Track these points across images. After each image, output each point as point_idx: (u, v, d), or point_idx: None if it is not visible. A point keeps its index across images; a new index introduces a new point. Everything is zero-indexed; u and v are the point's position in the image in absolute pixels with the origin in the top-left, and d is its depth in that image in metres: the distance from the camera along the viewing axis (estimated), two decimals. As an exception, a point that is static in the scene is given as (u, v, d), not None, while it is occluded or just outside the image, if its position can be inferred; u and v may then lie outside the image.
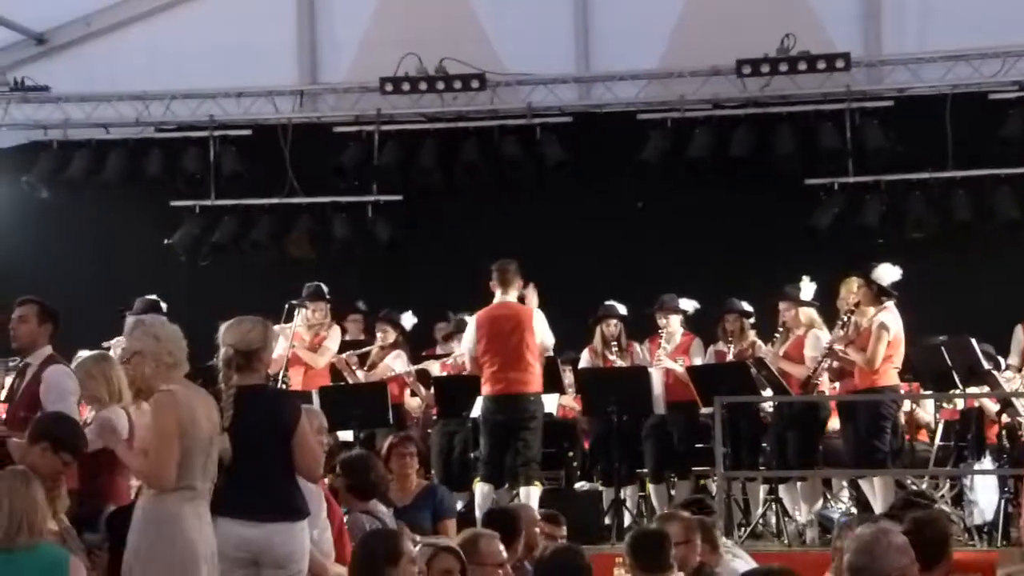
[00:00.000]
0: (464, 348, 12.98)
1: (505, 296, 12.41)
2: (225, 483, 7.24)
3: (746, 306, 13.84)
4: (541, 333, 12.53)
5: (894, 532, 6.24)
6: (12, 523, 6.28)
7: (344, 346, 14.54)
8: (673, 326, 13.83)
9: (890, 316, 12.65)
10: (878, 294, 12.74)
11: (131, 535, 6.97)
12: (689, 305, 14.07)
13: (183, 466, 6.92)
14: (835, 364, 12.92)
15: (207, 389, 7.42)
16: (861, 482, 12.73)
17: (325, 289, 14.31)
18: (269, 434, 7.54)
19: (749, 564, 8.99)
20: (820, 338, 13.09)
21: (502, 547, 7.67)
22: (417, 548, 7.09)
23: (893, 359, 12.60)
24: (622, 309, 13.81)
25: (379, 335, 14.59)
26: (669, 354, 13.66)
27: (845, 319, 12.82)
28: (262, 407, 7.61)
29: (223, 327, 7.66)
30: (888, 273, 12.97)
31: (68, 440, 7.44)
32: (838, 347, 12.77)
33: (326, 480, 8.60)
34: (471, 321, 12.83)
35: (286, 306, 13.83)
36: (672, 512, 8.99)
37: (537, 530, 9.05)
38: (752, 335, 13.68)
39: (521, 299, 12.59)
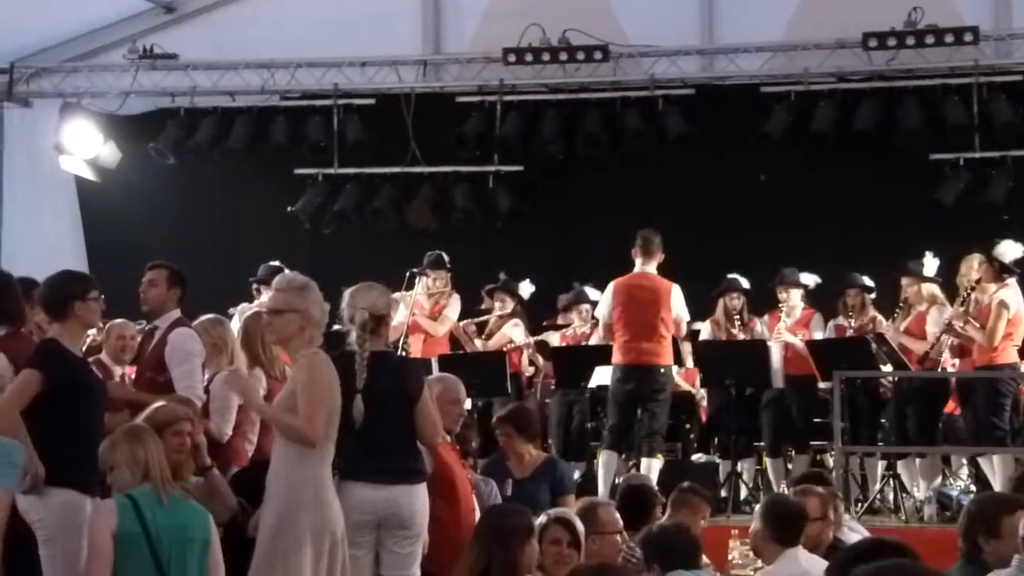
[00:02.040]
0: (599, 313, 13.22)
1: (646, 267, 12.60)
2: (353, 446, 7.43)
3: (867, 281, 13.85)
4: (678, 308, 12.67)
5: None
6: (163, 472, 6.46)
7: (464, 314, 14.72)
8: (793, 300, 13.88)
9: (1011, 293, 12.64)
10: (1000, 271, 12.73)
11: (274, 497, 7.06)
12: (810, 279, 14.12)
13: (328, 426, 7.06)
14: (955, 341, 12.97)
15: (329, 355, 7.48)
16: (980, 460, 12.74)
17: (446, 258, 14.46)
18: (396, 399, 7.69)
19: (866, 535, 9.09)
20: (942, 314, 13.11)
21: (618, 516, 7.85)
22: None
23: (1013, 336, 12.60)
24: (745, 282, 13.89)
25: (497, 304, 14.74)
26: (789, 328, 13.72)
27: (965, 296, 12.84)
28: (390, 373, 7.78)
29: (350, 292, 7.80)
30: (1011, 250, 12.94)
31: None
32: (957, 324, 12.79)
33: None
34: (609, 288, 12.97)
35: (407, 274, 13.86)
36: (809, 487, 8.97)
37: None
38: (873, 310, 13.69)
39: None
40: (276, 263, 13.71)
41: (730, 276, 13.92)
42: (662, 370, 12.62)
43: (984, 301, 12.64)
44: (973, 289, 12.80)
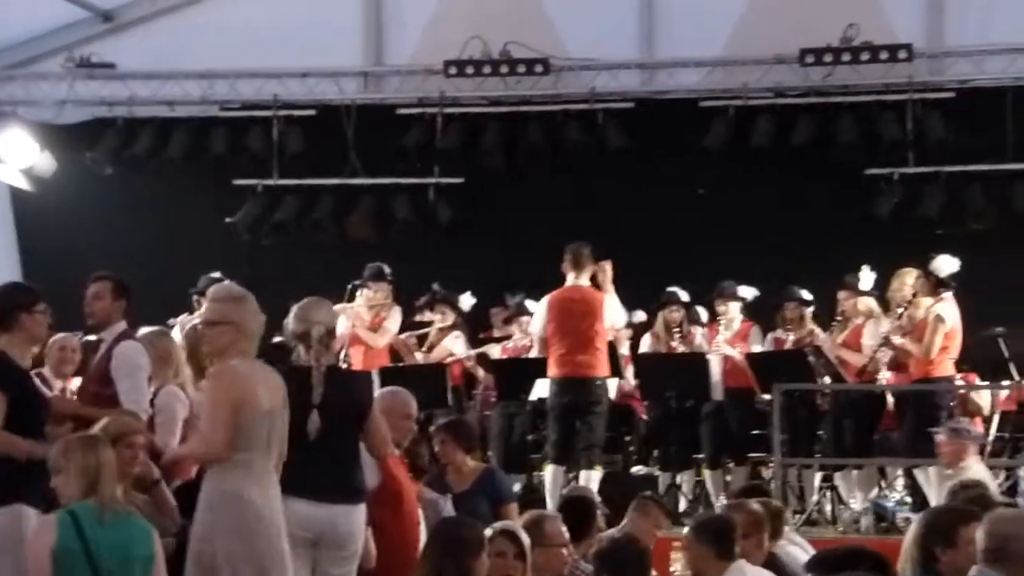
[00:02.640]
0: (533, 328, 13.27)
1: (578, 280, 12.64)
2: (294, 461, 7.24)
3: (805, 294, 13.98)
4: (612, 315, 12.78)
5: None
6: (110, 486, 6.39)
7: (406, 327, 14.67)
8: (732, 313, 14.00)
9: (947, 307, 12.78)
10: (936, 285, 12.86)
11: (199, 513, 6.98)
12: (748, 292, 14.24)
13: (241, 440, 6.91)
14: (892, 354, 13.09)
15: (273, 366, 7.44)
16: (916, 471, 12.85)
17: (386, 270, 14.41)
18: (348, 413, 7.69)
19: (806, 549, 9.16)
20: (878, 328, 13.24)
21: (565, 529, 7.89)
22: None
23: (949, 350, 12.75)
24: (684, 295, 13.98)
25: (437, 316, 14.73)
26: (728, 340, 13.83)
27: (902, 310, 12.97)
28: (342, 387, 7.78)
29: (303, 307, 7.80)
30: (946, 264, 13.10)
31: None
32: (894, 338, 12.94)
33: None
34: (542, 302, 13.05)
35: (348, 287, 14.01)
36: (742, 502, 9.06)
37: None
38: (811, 323, 13.82)
39: (594, 277, 12.77)
40: (216, 274, 13.68)
41: (669, 289, 14.02)
42: (598, 382, 12.69)
43: (920, 315, 12.77)
44: (909, 303, 12.93)
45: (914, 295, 12.97)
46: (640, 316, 14.19)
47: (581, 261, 12.60)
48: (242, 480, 6.90)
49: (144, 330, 9.31)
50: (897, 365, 13.12)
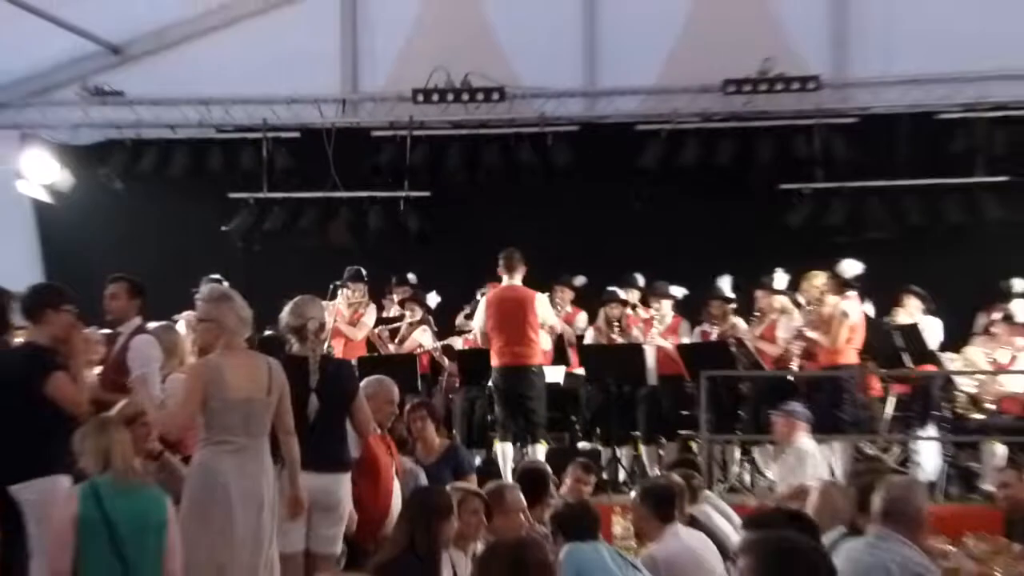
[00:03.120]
0: (475, 324, 13.27)
1: (511, 280, 12.69)
2: (304, 439, 7.38)
3: (728, 293, 14.06)
4: (544, 315, 12.80)
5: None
6: (124, 461, 6.42)
7: (379, 322, 14.72)
8: (664, 309, 14.07)
9: (852, 304, 12.93)
10: (841, 285, 12.99)
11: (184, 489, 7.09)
12: (678, 291, 14.32)
13: (213, 423, 6.99)
14: (803, 345, 13.20)
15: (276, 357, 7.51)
16: (825, 447, 12.94)
17: (363, 272, 14.45)
18: (339, 396, 7.79)
19: (727, 512, 9.27)
20: (791, 322, 13.36)
21: (522, 497, 7.92)
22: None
23: (853, 341, 12.89)
24: (622, 294, 14.05)
25: (407, 313, 14.78)
26: (661, 333, 13.90)
27: (812, 307, 13.10)
28: (332, 374, 7.89)
29: (297, 303, 7.95)
30: (850, 268, 13.26)
31: None
32: (806, 331, 13.05)
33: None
34: (482, 301, 13.12)
35: (330, 286, 13.98)
36: (667, 474, 9.19)
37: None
38: (733, 318, 13.88)
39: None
40: (216, 276, 13.65)
41: (609, 289, 14.06)
42: (534, 369, 12.71)
43: (828, 311, 12.89)
44: (818, 301, 13.04)
45: (822, 294, 13.08)
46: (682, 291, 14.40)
47: (512, 264, 12.66)
48: (213, 453, 6.97)
49: (152, 325, 9.32)
50: (808, 354, 13.21)
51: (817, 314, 13.07)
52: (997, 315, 13.57)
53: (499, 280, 12.96)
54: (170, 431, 7.36)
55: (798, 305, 13.56)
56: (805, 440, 11.39)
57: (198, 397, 6.97)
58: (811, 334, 13.05)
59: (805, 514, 6.48)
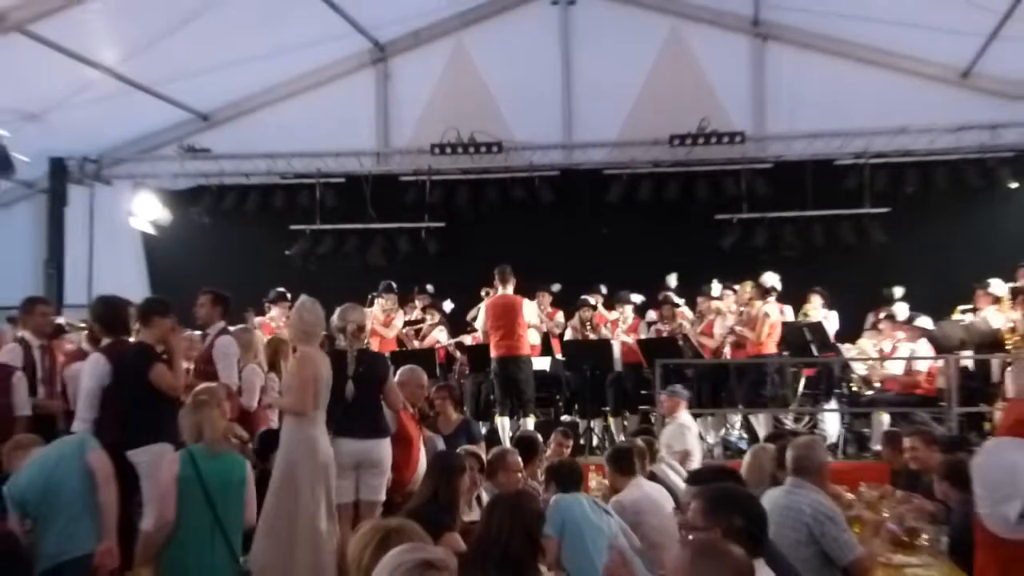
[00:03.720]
0: (478, 324, 13.41)
1: (504, 289, 12.67)
2: (343, 414, 7.51)
3: (676, 299, 14.07)
4: (529, 316, 12.81)
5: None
6: (211, 433, 6.48)
7: (406, 324, 14.70)
8: (627, 312, 14.08)
9: (772, 307, 12.99)
10: (764, 293, 13.02)
11: (282, 450, 7.21)
12: (637, 298, 14.40)
13: (317, 401, 7.22)
14: (734, 339, 13.20)
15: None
16: (751, 417, 12.94)
17: (394, 285, 14.51)
18: (373, 382, 7.83)
19: (677, 468, 9.27)
20: (725, 322, 13.37)
21: (519, 459, 7.93)
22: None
23: (773, 336, 12.88)
24: (593, 300, 14.04)
25: (428, 316, 14.78)
26: (624, 331, 13.91)
27: (742, 309, 13.12)
28: (368, 364, 7.98)
29: (342, 310, 8.09)
30: (770, 279, 13.35)
31: None
32: (737, 328, 13.06)
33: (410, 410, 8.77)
34: (482, 306, 13.23)
35: (368, 297, 14.04)
36: (633, 440, 9.26)
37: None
38: (680, 318, 13.87)
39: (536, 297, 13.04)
40: (281, 289, 13.68)
41: (583, 297, 14.04)
42: (523, 359, 12.66)
43: (754, 312, 12.89)
44: (747, 304, 13.06)
45: (750, 299, 13.11)
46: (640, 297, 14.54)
47: (505, 277, 12.65)
48: (315, 426, 7.24)
49: (233, 328, 9.31)
50: (738, 346, 13.20)
51: (746, 315, 13.11)
52: (882, 314, 13.63)
53: (494, 288, 12.99)
54: (300, 410, 7.28)
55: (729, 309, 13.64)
56: (685, 414, 11.39)
57: (314, 381, 7.27)
58: (740, 330, 13.07)
59: (735, 470, 6.52)
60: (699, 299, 14.03)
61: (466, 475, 6.75)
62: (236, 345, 8.76)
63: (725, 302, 13.78)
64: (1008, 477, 5.40)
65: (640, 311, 14.47)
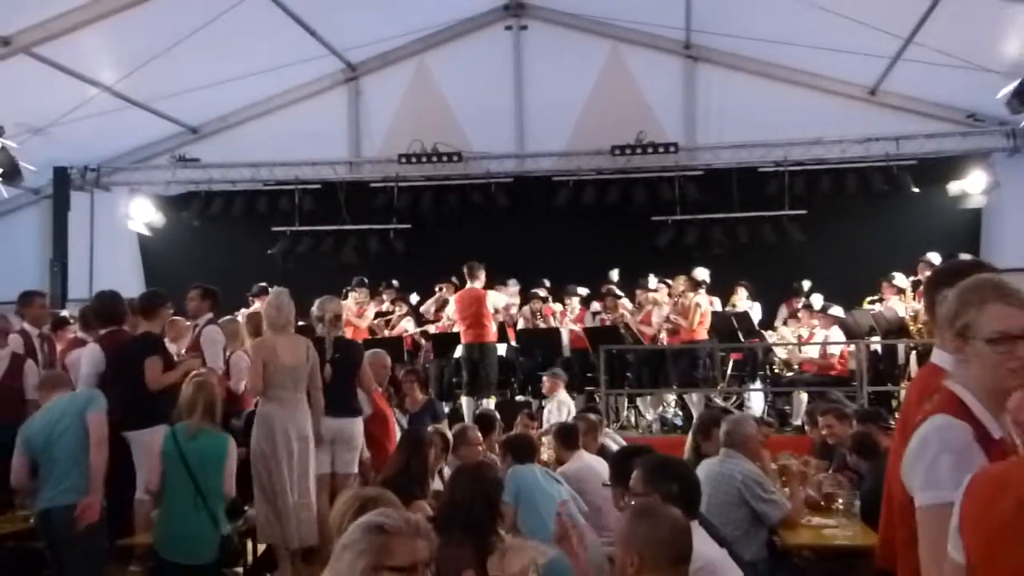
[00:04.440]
0: (448, 312, 13.38)
1: (472, 283, 12.56)
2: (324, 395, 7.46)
3: (618, 291, 14.05)
4: (494, 303, 12.67)
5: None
6: (193, 413, 6.39)
7: (377, 315, 14.59)
8: (574, 304, 14.05)
9: (703, 298, 12.97)
10: (695, 285, 13.00)
11: (253, 428, 7.25)
12: (583, 291, 14.37)
13: (269, 383, 7.19)
14: (670, 327, 13.16)
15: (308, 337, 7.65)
16: (686, 396, 12.93)
17: (366, 280, 14.48)
18: (348, 366, 7.78)
19: (620, 441, 9.25)
20: (661, 311, 13.33)
21: (480, 434, 7.89)
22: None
23: (704, 324, 12.85)
24: (542, 292, 14.06)
25: (397, 308, 14.71)
26: (572, 320, 13.88)
27: (676, 300, 13.08)
28: (344, 350, 7.93)
29: (321, 301, 8.07)
30: (701, 273, 13.36)
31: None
32: (672, 316, 13.02)
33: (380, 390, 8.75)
34: (452, 299, 13.11)
35: (343, 291, 13.89)
36: (581, 415, 9.27)
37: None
38: (622, 308, 13.83)
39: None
40: (263, 284, 13.51)
41: (533, 290, 13.98)
42: (488, 345, 12.60)
43: (687, 303, 12.87)
44: (680, 295, 13.03)
45: (683, 292, 13.08)
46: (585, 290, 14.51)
47: (473, 272, 12.53)
48: (270, 406, 7.18)
49: (221, 319, 9.24)
50: (673, 333, 13.15)
51: (680, 305, 13.06)
52: (798, 304, 13.73)
53: (453, 284, 13.12)
54: (253, 392, 7.45)
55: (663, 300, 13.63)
56: (563, 393, 11.50)
57: (262, 366, 7.19)
58: (675, 319, 13.02)
59: (651, 447, 6.53)
60: (638, 292, 13.97)
61: (433, 448, 6.75)
62: (221, 334, 8.74)
63: (660, 294, 13.74)
64: None
65: (585, 302, 14.43)
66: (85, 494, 6.09)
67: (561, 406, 11.23)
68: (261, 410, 7.23)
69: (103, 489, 6.14)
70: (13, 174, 13.47)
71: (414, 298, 14.94)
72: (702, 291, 13.11)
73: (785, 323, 14.18)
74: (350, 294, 14.11)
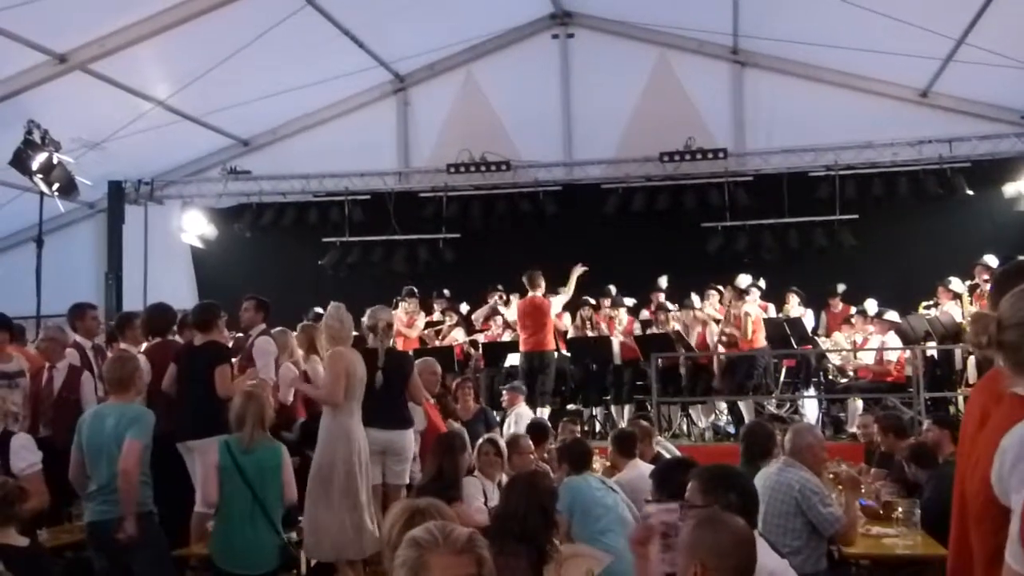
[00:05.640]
0: (508, 320, 13.59)
1: (533, 292, 12.60)
2: (371, 405, 7.37)
3: (669, 305, 13.95)
4: (557, 309, 12.82)
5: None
6: (248, 424, 6.36)
7: (427, 324, 14.61)
8: (621, 315, 13.97)
9: (752, 306, 12.83)
10: (741, 293, 12.88)
11: (320, 440, 7.13)
12: (630, 301, 14.28)
13: (348, 394, 7.08)
14: (724, 340, 13.00)
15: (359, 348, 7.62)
16: (740, 404, 12.78)
17: (415, 290, 14.50)
18: (399, 377, 7.73)
19: (672, 450, 9.17)
20: (712, 330, 13.18)
21: (532, 443, 7.87)
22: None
23: (759, 331, 12.70)
24: (592, 300, 13.94)
25: (447, 318, 14.70)
26: (621, 330, 13.78)
27: (727, 312, 12.97)
28: (396, 360, 7.90)
29: (372, 311, 8.07)
30: (743, 280, 13.53)
31: None
32: (726, 330, 12.88)
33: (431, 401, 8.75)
34: (514, 306, 13.19)
35: (393, 300, 13.92)
36: (636, 422, 9.23)
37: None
38: (673, 322, 13.66)
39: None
40: (318, 310, 13.41)
41: (584, 298, 13.87)
42: (548, 353, 12.61)
43: (737, 313, 12.71)
44: (730, 305, 12.88)
45: (731, 301, 12.92)
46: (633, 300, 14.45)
47: (534, 281, 12.59)
48: (349, 419, 7.10)
49: (273, 330, 9.25)
50: (731, 345, 12.92)
51: (732, 316, 12.89)
52: (837, 307, 14.08)
53: (500, 292, 13.35)
54: (332, 402, 7.16)
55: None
56: (523, 406, 11.31)
57: (346, 376, 7.11)
58: (729, 331, 12.83)
59: (693, 460, 6.45)
60: (682, 311, 13.75)
61: (467, 453, 6.82)
62: (274, 344, 8.70)
63: (708, 304, 13.61)
64: None
65: (633, 312, 14.37)
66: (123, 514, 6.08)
67: (520, 419, 11.02)
68: (336, 421, 7.08)
69: (135, 508, 6.07)
70: (69, 188, 13.60)
71: (464, 308, 14.94)
72: (749, 298, 12.96)
73: (815, 331, 13.96)
74: (400, 304, 14.14)
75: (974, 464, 2.78)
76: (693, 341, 13.30)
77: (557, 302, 12.83)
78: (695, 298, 13.76)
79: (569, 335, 13.92)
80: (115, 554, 6.11)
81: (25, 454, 5.92)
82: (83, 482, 6.34)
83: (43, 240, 12.50)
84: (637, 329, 13.97)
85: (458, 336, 14.48)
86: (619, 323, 13.92)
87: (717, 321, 13.23)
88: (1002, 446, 2.57)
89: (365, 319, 8.02)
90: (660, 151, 15.78)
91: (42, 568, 4.57)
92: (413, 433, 7.93)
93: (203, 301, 8.90)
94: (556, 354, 13.00)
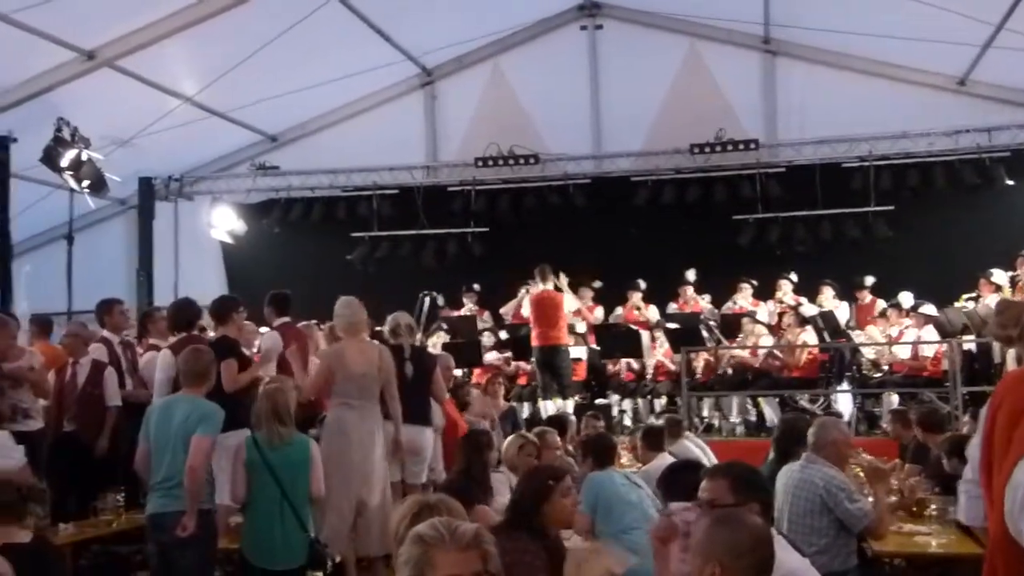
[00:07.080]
0: (524, 313, 13.44)
1: (544, 285, 12.63)
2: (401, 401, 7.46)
3: (692, 279, 14.07)
4: (569, 306, 12.84)
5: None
6: (272, 420, 6.33)
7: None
8: (650, 312, 13.94)
9: (810, 335, 13.01)
10: (803, 321, 13.03)
11: (324, 431, 7.28)
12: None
13: (337, 389, 7.18)
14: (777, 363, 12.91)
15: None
16: (762, 400, 12.69)
17: (477, 287, 15.15)
18: (420, 373, 7.75)
19: (701, 445, 9.14)
20: (762, 342, 13.08)
21: (558, 438, 7.87)
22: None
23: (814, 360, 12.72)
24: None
25: (477, 312, 14.72)
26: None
27: (782, 334, 13.17)
28: (419, 358, 7.98)
29: (395, 315, 8.18)
30: (809, 309, 13.50)
31: None
32: (779, 354, 12.89)
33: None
34: (526, 300, 13.17)
35: (419, 295, 14.04)
36: (666, 415, 9.25)
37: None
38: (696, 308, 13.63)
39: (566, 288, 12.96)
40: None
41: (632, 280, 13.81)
42: (562, 348, 12.57)
43: (793, 340, 12.79)
44: (787, 329, 13.08)
45: (789, 326, 13.02)
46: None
47: (545, 275, 12.64)
48: (341, 411, 7.15)
49: (299, 324, 9.26)
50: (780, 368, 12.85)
51: (786, 342, 12.83)
52: (865, 299, 14.02)
53: (535, 285, 12.96)
54: (304, 396, 7.39)
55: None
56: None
57: (327, 373, 7.18)
58: (783, 357, 12.77)
59: (699, 463, 6.38)
60: (745, 321, 13.52)
61: (492, 450, 6.85)
62: (277, 340, 8.54)
63: (742, 296, 13.51)
64: None
65: (661, 305, 14.44)
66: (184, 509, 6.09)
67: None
68: (331, 416, 7.20)
69: (196, 505, 6.08)
70: (99, 185, 13.69)
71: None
72: (809, 328, 12.79)
73: (848, 324, 13.82)
74: (463, 298, 14.72)
75: (999, 462, 2.70)
76: (746, 353, 13.19)
77: (571, 300, 12.78)
78: (747, 285, 13.85)
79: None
80: (166, 547, 6.11)
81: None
82: (148, 472, 6.32)
83: (73, 237, 12.62)
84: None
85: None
86: (644, 317, 13.92)
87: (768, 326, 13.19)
88: (1015, 480, 2.46)
89: (388, 321, 8.12)
90: (690, 143, 15.64)
91: (47, 564, 4.55)
92: (432, 433, 7.99)
93: (223, 295, 8.86)
94: (581, 349, 12.97)
